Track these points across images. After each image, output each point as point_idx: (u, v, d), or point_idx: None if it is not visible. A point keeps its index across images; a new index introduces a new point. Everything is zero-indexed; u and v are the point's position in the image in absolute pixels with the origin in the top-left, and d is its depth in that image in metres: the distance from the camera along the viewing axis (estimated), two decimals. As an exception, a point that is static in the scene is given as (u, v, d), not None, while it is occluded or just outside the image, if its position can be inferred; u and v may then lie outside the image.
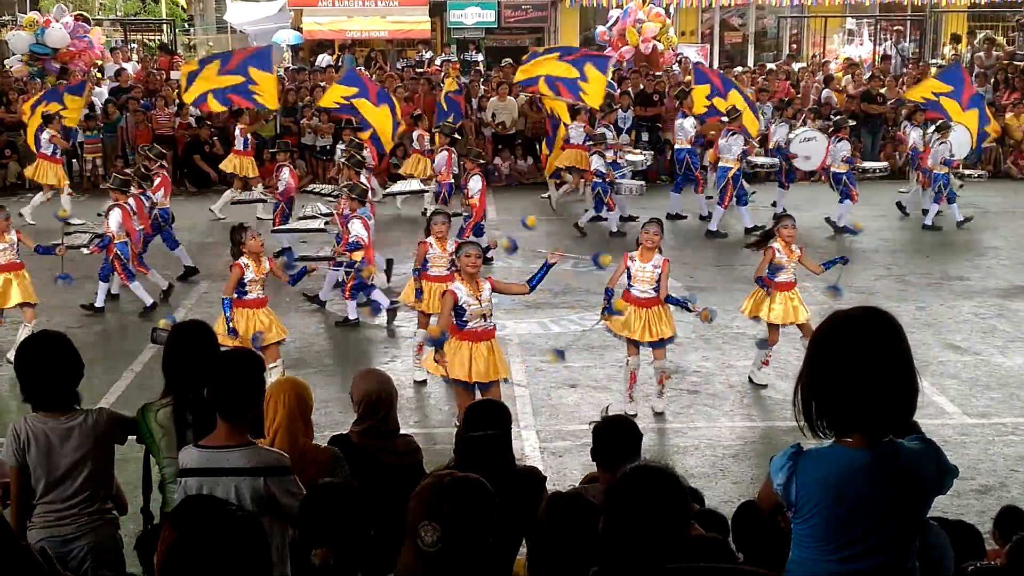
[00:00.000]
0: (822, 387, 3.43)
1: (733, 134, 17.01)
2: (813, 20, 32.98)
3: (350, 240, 11.87)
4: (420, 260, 10.63)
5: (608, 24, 26.94)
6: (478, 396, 8.32)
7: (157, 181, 14.45)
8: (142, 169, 14.40)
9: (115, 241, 12.36)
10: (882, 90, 22.64)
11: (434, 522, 3.44)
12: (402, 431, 5.74)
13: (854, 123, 19.23)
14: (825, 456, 3.44)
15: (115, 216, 12.42)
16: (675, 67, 24.97)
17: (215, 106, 18.06)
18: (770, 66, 26.87)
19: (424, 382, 10.37)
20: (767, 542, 4.39)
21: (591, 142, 17.19)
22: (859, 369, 3.35)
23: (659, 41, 25.44)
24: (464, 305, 8.41)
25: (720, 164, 17.19)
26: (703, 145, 18.99)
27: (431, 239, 10.62)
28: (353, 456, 5.26)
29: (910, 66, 26.49)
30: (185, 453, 4.66)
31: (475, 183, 14.14)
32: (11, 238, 11.28)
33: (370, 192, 13.51)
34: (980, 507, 7.61)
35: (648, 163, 18.38)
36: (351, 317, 12.19)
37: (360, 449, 5.33)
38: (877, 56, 28.48)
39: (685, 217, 17.97)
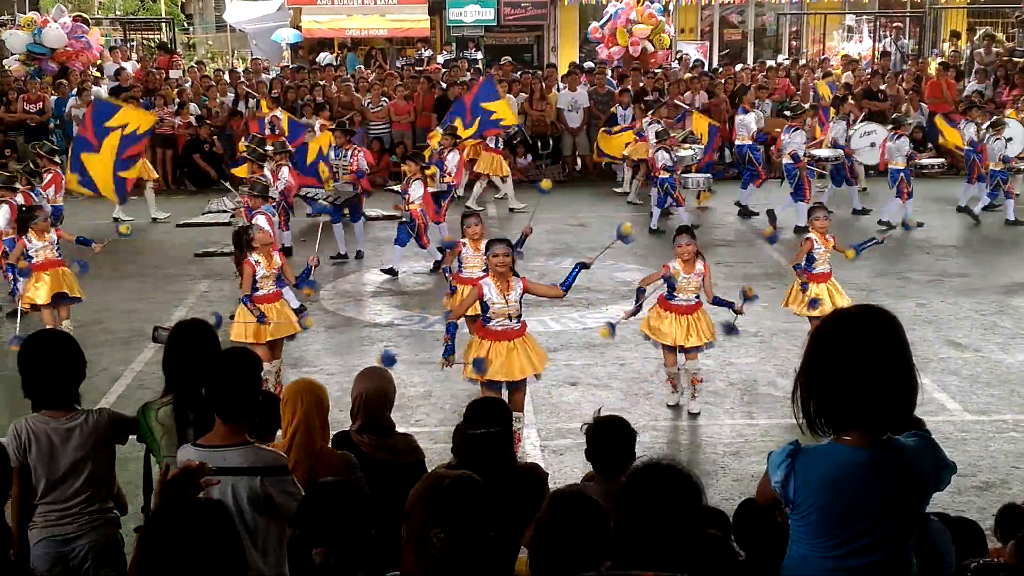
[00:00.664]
0: (821, 384, 3.44)
1: (796, 129, 17.05)
2: (812, 17, 32.97)
3: None
4: (452, 259, 10.66)
5: (601, 22, 26.91)
6: (504, 394, 8.32)
7: (48, 178, 14.48)
8: (31, 165, 14.46)
9: (2, 237, 12.38)
10: (882, 87, 22.63)
11: (441, 528, 3.45)
12: (405, 430, 5.75)
13: (911, 121, 19.19)
14: (823, 454, 3.45)
15: (3, 213, 12.44)
16: (675, 64, 24.94)
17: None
18: (770, 63, 26.85)
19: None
20: (768, 540, 4.39)
21: (656, 139, 17.16)
22: (857, 367, 3.36)
23: (651, 41, 25.37)
24: (489, 302, 8.41)
25: (785, 161, 17.15)
26: (765, 141, 19.04)
27: (465, 240, 10.61)
28: (353, 454, 5.27)
29: (910, 63, 26.48)
30: (183, 452, 4.67)
31: (416, 189, 13.86)
32: (51, 237, 11.34)
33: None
34: (981, 504, 7.60)
35: (699, 157, 18.31)
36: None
37: (357, 448, 5.34)
38: (877, 53, 28.46)
39: (757, 213, 17.62)
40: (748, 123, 18.36)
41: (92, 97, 20.43)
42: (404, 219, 13.77)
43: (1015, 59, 24.95)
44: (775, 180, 18.34)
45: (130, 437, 5.29)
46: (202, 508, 3.25)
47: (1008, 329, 12.00)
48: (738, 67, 25.62)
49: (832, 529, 3.42)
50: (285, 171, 15.21)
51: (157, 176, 19.06)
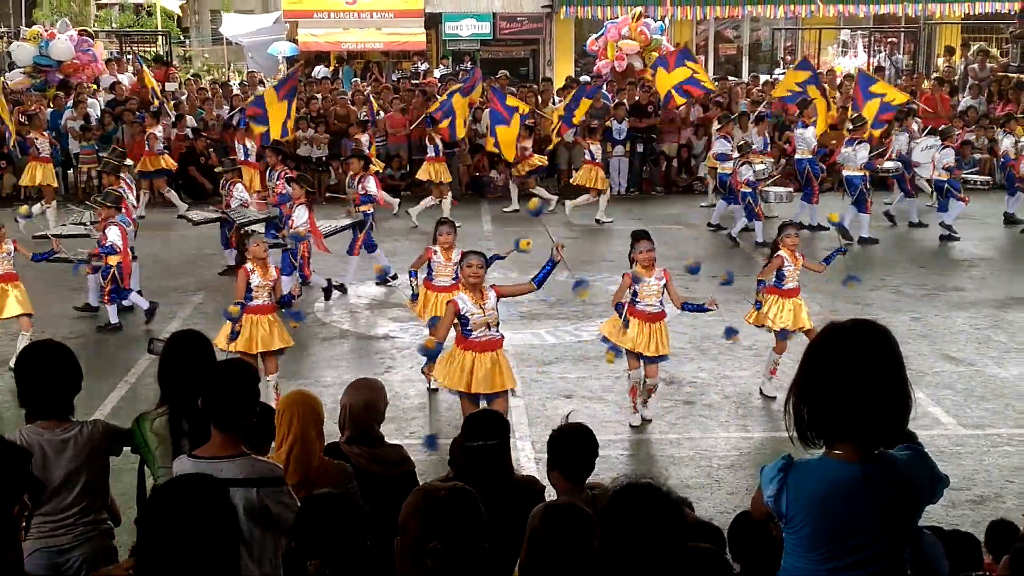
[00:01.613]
0: (814, 397, 3.45)
1: (858, 143, 17.11)
2: (807, 32, 33.07)
3: (105, 245, 12.06)
4: (420, 264, 10.63)
5: (597, 34, 26.96)
6: (483, 407, 8.31)
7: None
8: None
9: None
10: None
11: (438, 541, 3.45)
12: (399, 441, 5.73)
13: (959, 133, 19.24)
14: (815, 468, 3.45)
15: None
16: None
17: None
18: (764, 78, 26.91)
19: (436, 390, 10.41)
20: (763, 553, 4.39)
21: (739, 153, 17.23)
22: (850, 380, 3.37)
23: (642, 58, 25.39)
24: (468, 315, 8.40)
25: (847, 173, 17.20)
26: (825, 155, 19.08)
27: (436, 247, 10.62)
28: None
29: (904, 78, 26.56)
30: (179, 463, 4.66)
31: (300, 214, 13.29)
32: (7, 248, 11.35)
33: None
34: (975, 518, 7.61)
35: (770, 170, 18.35)
36: (112, 321, 12.34)
37: (347, 459, 5.33)
38: (871, 68, 28.54)
39: (826, 228, 17.25)
40: (807, 137, 18.34)
41: (88, 109, 20.50)
42: (289, 246, 13.04)
43: (1009, 74, 25.06)
44: (832, 192, 18.48)
45: (124, 448, 5.29)
46: (195, 481, 3.33)
47: (1002, 343, 12.02)
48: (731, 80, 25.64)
49: (825, 543, 3.43)
50: (240, 188, 15.10)
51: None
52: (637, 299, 9.61)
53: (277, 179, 14.97)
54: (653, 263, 9.64)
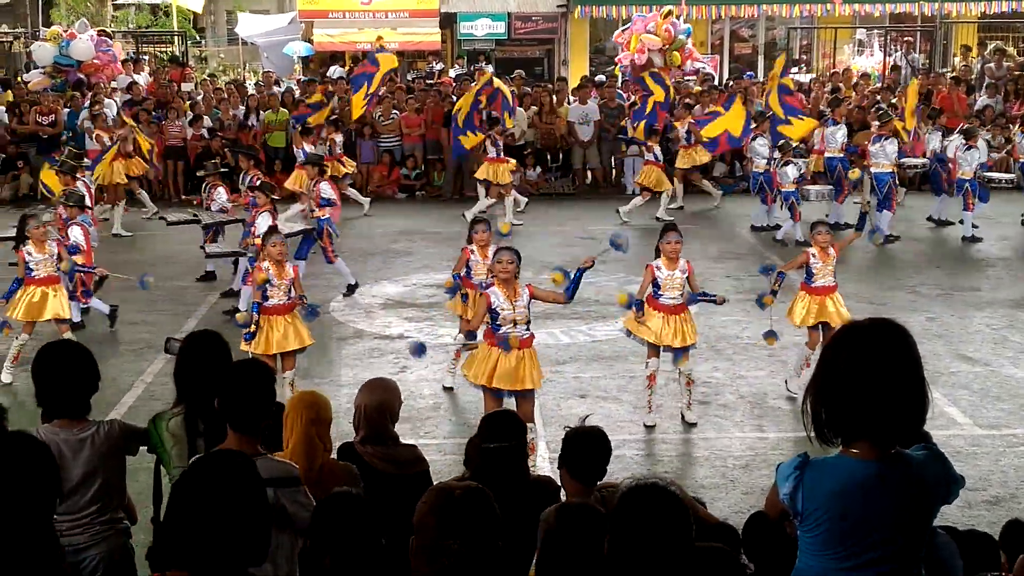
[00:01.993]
0: (831, 396, 3.45)
1: (886, 138, 17.10)
2: (823, 31, 32.97)
3: (69, 245, 11.97)
4: (461, 266, 10.62)
5: (624, 27, 26.89)
6: (509, 405, 8.32)
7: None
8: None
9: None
10: (893, 100, 22.61)
11: (455, 539, 3.46)
12: (413, 441, 5.75)
13: (984, 131, 19.18)
14: (832, 466, 3.46)
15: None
16: (690, 80, 24.84)
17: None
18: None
19: (451, 389, 10.41)
20: (778, 553, 4.39)
21: (778, 152, 17.20)
22: (868, 379, 3.37)
23: (663, 56, 25.34)
24: (498, 309, 8.44)
25: (876, 170, 17.13)
26: (856, 153, 19.04)
27: (473, 246, 10.64)
28: (357, 465, 5.28)
29: (920, 77, 26.47)
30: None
31: (263, 222, 12.73)
32: (51, 250, 11.21)
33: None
34: (991, 518, 7.58)
35: (803, 169, 18.31)
36: (75, 319, 12.24)
37: (360, 459, 5.35)
38: (887, 67, 28.46)
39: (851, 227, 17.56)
40: (837, 135, 18.28)
41: (104, 109, 20.56)
42: (249, 255, 12.47)
43: (1026, 73, 24.95)
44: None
45: (141, 448, 5.32)
46: (228, 458, 3.39)
47: (1018, 343, 11.97)
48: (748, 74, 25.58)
49: (841, 542, 3.43)
50: (220, 191, 14.78)
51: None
52: (660, 292, 9.66)
53: (248, 184, 14.54)
54: (678, 256, 9.67)
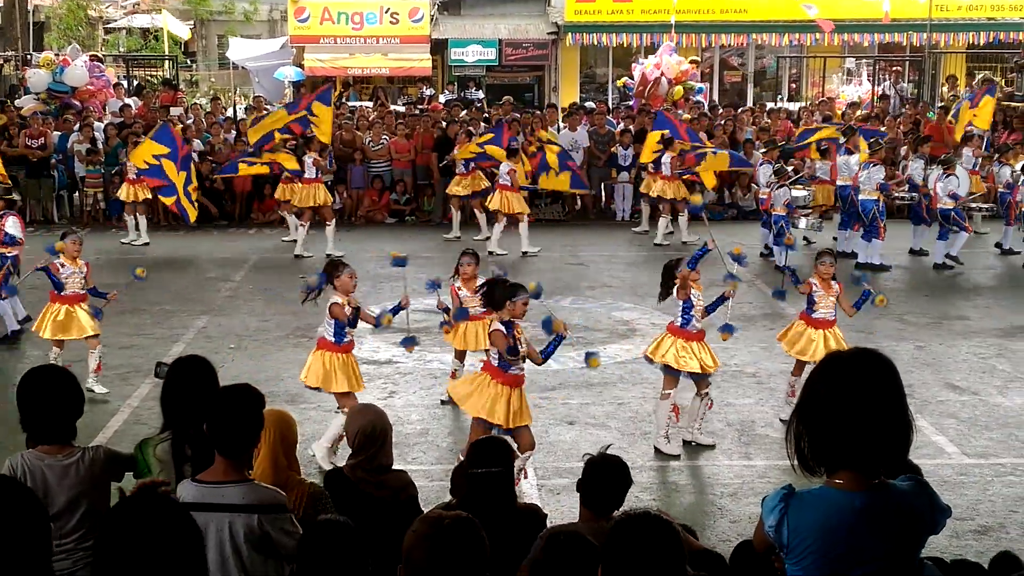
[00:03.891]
0: (815, 425, 3.45)
1: (874, 166, 17.18)
2: (812, 60, 33.19)
3: (5, 237, 12.13)
4: (454, 302, 10.55)
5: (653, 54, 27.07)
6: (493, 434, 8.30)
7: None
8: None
9: None
10: (881, 129, 22.72)
11: (442, 569, 3.45)
12: (401, 467, 5.74)
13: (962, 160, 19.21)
14: (816, 498, 3.45)
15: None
16: (680, 112, 24.93)
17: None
18: (770, 105, 27.02)
19: (448, 402, 10.38)
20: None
21: (776, 177, 17.28)
22: (850, 409, 3.38)
23: (669, 86, 25.48)
24: (518, 347, 8.42)
25: (862, 197, 17.21)
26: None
27: (458, 281, 10.59)
28: (346, 490, 5.28)
29: (908, 106, 26.64)
30: (183, 488, 4.66)
31: (11, 225, 12.80)
32: (80, 264, 11.30)
33: None
34: (979, 548, 7.57)
35: (811, 198, 18.29)
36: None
37: (352, 483, 5.34)
38: (876, 96, 28.63)
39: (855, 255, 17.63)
40: (851, 164, 18.28)
41: (95, 132, 20.58)
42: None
43: (1013, 104, 25.09)
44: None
45: (127, 473, 5.29)
46: (156, 501, 3.23)
47: (1007, 372, 11.99)
48: (739, 109, 25.71)
49: (827, 574, 3.42)
50: (11, 222, 13.30)
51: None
52: (692, 321, 9.68)
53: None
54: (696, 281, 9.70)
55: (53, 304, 11.21)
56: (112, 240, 19.00)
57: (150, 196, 19.28)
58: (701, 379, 9.72)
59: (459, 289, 10.58)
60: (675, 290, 9.66)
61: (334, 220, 18.61)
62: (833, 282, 10.38)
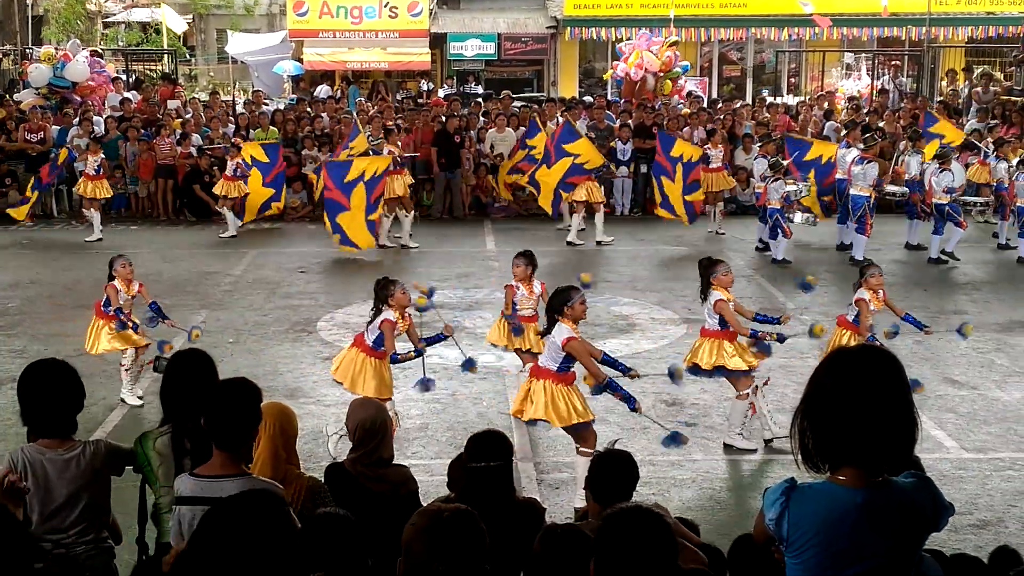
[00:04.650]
0: (818, 422, 3.44)
1: (869, 162, 17.14)
2: (811, 54, 33.18)
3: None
4: (508, 304, 10.55)
5: (630, 40, 26.99)
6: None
7: None
8: None
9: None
10: (880, 124, 22.72)
11: (442, 562, 3.46)
12: (400, 462, 5.75)
13: (960, 156, 19.13)
14: (817, 493, 3.45)
15: None
16: (679, 104, 24.91)
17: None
18: (769, 99, 27.01)
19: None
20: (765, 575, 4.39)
21: (771, 170, 17.28)
22: (854, 405, 3.37)
23: (656, 80, 25.41)
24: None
25: (854, 193, 17.18)
26: None
27: (516, 282, 10.59)
28: (346, 484, 5.29)
29: (907, 101, 26.64)
30: (180, 481, 4.67)
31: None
32: (134, 290, 11.00)
33: None
34: (978, 542, 7.59)
35: (804, 193, 18.25)
36: None
37: (352, 477, 5.35)
38: (875, 91, 28.63)
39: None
40: (848, 159, 18.21)
41: (95, 127, 20.57)
42: None
43: (1013, 98, 25.09)
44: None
45: (127, 467, 5.30)
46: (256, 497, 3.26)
47: (1005, 367, 12.00)
48: (737, 104, 25.69)
49: (827, 568, 3.42)
50: None
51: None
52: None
53: None
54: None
55: (98, 320, 10.93)
56: (110, 235, 18.99)
57: (109, 194, 19.63)
58: (738, 378, 9.64)
59: (517, 288, 10.55)
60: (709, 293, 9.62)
61: (413, 211, 18.98)
62: (881, 291, 10.33)
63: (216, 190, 19.80)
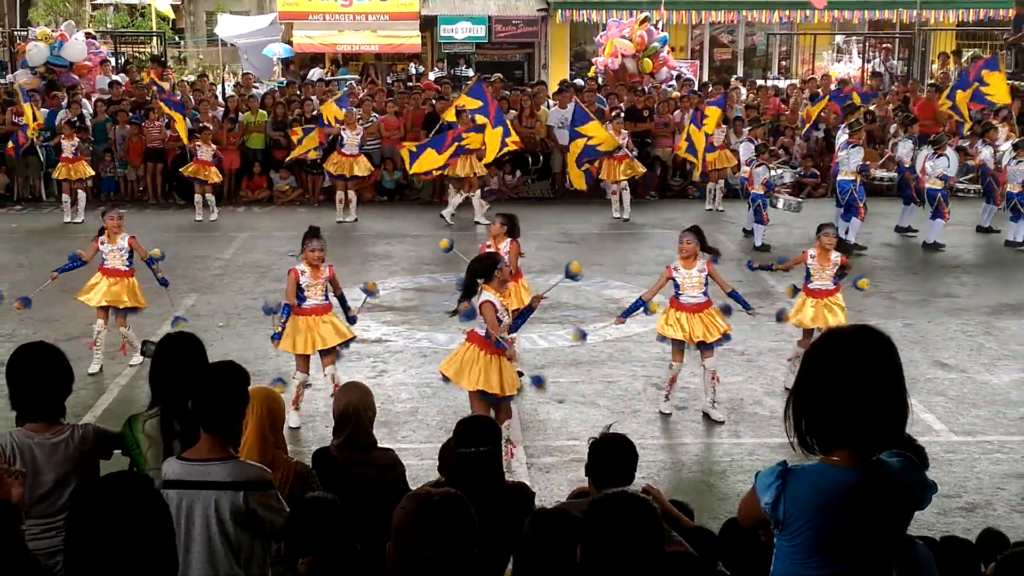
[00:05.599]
0: (812, 403, 3.44)
1: (854, 147, 17.08)
2: (802, 37, 33.16)
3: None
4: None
5: (602, 32, 26.98)
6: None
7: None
8: None
9: None
10: (871, 107, 22.72)
11: (432, 546, 3.46)
12: (390, 446, 5.74)
13: (952, 140, 19.11)
14: (813, 474, 3.45)
15: None
16: (669, 86, 24.86)
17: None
18: (760, 83, 26.98)
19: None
20: (754, 558, 4.40)
21: (756, 154, 17.27)
22: (849, 386, 3.37)
23: (636, 63, 25.35)
24: (500, 317, 8.48)
25: (840, 178, 17.16)
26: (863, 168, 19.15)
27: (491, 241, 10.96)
28: (332, 469, 5.29)
29: (898, 83, 26.63)
30: (167, 465, 4.66)
31: None
32: (123, 243, 11.29)
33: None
34: (966, 525, 7.62)
35: (786, 180, 18.16)
36: None
37: (338, 462, 5.35)
38: (866, 73, 28.62)
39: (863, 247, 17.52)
40: (842, 142, 18.22)
41: (83, 109, 20.42)
42: None
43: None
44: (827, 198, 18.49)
45: (115, 452, 5.29)
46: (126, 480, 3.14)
47: (994, 350, 12.04)
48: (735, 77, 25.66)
49: (821, 549, 3.43)
50: None
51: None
52: (680, 291, 9.91)
53: None
54: (694, 255, 9.87)
55: (103, 277, 11.27)
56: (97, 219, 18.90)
57: (89, 174, 19.52)
58: (702, 350, 9.92)
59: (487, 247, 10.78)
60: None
61: (479, 189, 19.11)
62: (834, 253, 10.57)
63: (188, 172, 19.54)
